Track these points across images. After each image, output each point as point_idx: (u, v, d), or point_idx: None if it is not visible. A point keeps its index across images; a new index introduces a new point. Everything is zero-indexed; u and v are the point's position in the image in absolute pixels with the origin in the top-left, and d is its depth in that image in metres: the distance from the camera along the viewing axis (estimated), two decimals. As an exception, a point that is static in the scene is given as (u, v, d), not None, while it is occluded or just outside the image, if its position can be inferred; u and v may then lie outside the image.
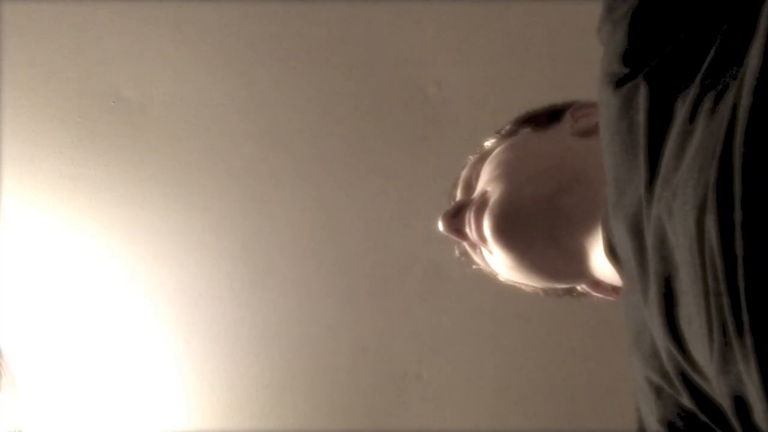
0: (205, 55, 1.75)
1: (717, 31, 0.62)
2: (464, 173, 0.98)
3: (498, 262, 0.91)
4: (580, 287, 0.92)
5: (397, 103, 1.77)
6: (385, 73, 1.76)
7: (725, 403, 0.58)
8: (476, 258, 0.97)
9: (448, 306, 1.86)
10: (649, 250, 0.65)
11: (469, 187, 0.96)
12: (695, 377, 0.63)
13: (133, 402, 1.90)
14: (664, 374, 0.67)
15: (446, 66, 1.75)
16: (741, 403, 0.57)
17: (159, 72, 1.76)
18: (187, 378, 1.89)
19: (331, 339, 1.88)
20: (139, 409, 1.90)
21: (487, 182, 0.91)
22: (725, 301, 0.55)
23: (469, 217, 0.90)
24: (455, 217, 0.93)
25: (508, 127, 0.98)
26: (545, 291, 0.97)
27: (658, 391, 0.69)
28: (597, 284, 0.89)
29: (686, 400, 0.65)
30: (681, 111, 0.63)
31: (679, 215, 0.59)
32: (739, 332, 0.54)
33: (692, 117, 0.61)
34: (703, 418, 0.65)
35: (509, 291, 1.77)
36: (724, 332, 0.55)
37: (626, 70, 0.68)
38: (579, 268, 0.84)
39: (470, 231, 0.91)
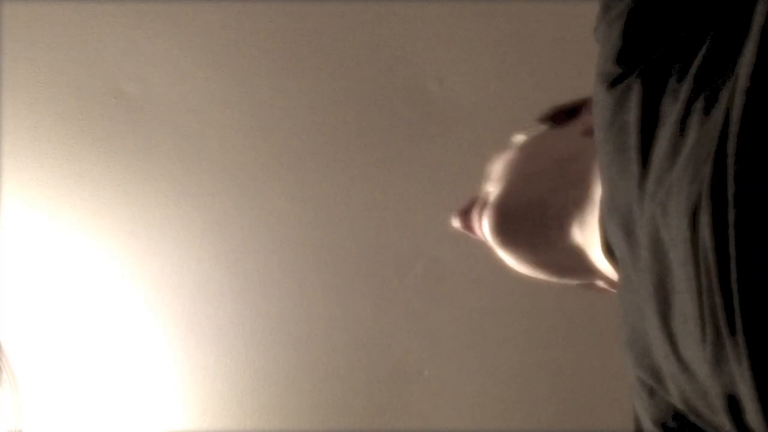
0: (205, 51, 1.75)
1: (711, 30, 0.62)
2: (487, 168, 1.00)
3: (505, 258, 0.92)
4: (599, 283, 0.92)
5: (398, 100, 1.76)
6: (387, 70, 1.75)
7: (718, 403, 0.58)
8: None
9: (449, 303, 1.86)
10: (643, 249, 0.65)
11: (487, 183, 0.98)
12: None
13: (133, 401, 1.89)
14: (655, 374, 0.67)
15: (448, 63, 1.75)
16: (734, 403, 0.56)
17: (159, 68, 1.75)
18: (187, 377, 1.89)
19: (332, 337, 1.88)
20: (138, 407, 1.89)
21: (493, 180, 0.92)
22: (718, 301, 0.54)
23: (475, 215, 0.91)
24: (466, 214, 0.94)
25: (534, 123, 0.99)
26: (562, 285, 0.97)
27: (651, 392, 0.69)
28: (612, 282, 0.90)
29: (676, 401, 0.65)
30: (673, 110, 0.62)
31: (674, 214, 0.60)
32: (732, 332, 0.54)
33: (685, 116, 0.61)
34: (692, 419, 0.65)
35: (510, 288, 1.77)
36: (717, 332, 0.55)
37: (620, 70, 0.68)
38: (585, 266, 0.85)
39: (477, 229, 0.92)
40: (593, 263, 0.83)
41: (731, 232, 0.53)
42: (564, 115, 0.94)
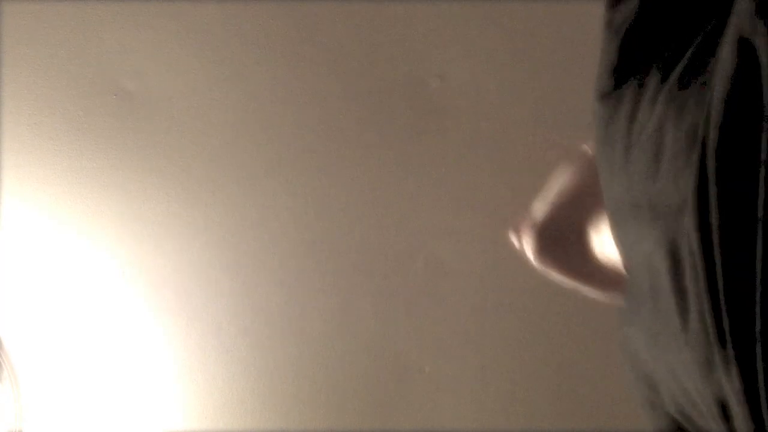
0: (205, 47, 1.75)
1: (696, 37, 0.62)
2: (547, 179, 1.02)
3: (553, 279, 0.94)
4: None
5: (399, 97, 1.76)
6: (388, 67, 1.75)
7: (710, 410, 0.58)
8: None
9: (450, 300, 1.86)
10: (634, 257, 0.66)
11: None
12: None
13: (133, 400, 1.89)
14: (649, 382, 0.67)
15: (449, 59, 1.74)
16: (725, 409, 0.56)
17: (160, 65, 1.75)
18: (187, 376, 1.89)
19: (332, 334, 1.88)
20: (138, 406, 1.89)
21: (543, 198, 0.95)
22: (706, 307, 0.54)
23: (523, 236, 0.94)
24: (519, 233, 0.96)
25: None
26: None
27: (652, 405, 0.68)
28: None
29: (672, 410, 0.65)
30: (654, 116, 0.63)
31: (660, 221, 0.59)
32: (720, 338, 0.54)
33: (664, 122, 0.61)
34: (687, 427, 0.64)
35: (511, 285, 1.77)
36: (706, 337, 0.55)
37: (614, 83, 0.69)
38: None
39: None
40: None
41: (715, 236, 0.53)
42: None
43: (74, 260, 1.84)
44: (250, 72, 1.76)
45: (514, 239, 0.96)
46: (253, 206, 1.83)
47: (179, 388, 1.89)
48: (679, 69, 0.61)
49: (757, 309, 0.52)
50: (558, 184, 0.92)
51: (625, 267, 0.72)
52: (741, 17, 0.54)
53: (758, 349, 0.52)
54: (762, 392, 0.52)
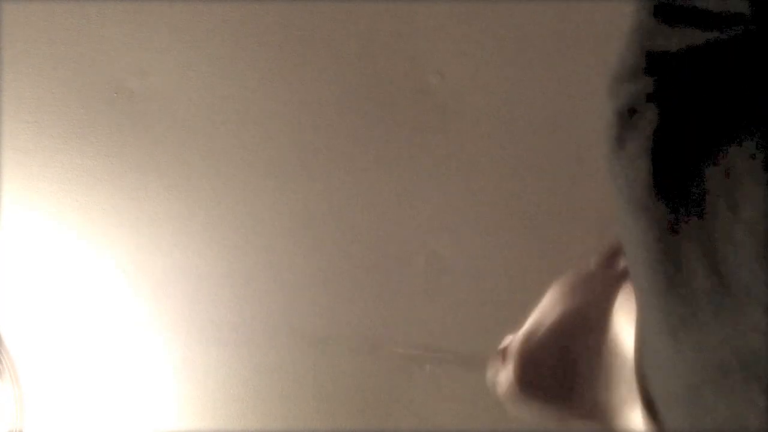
0: (207, 45, 1.74)
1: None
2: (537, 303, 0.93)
3: (522, 411, 0.85)
4: None
5: (399, 94, 1.76)
6: (387, 64, 1.75)
7: None
8: None
9: (451, 297, 1.86)
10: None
11: None
12: None
13: (133, 399, 1.89)
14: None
15: (449, 56, 1.74)
16: None
17: (161, 63, 1.75)
18: (187, 375, 1.89)
19: (333, 331, 1.88)
20: (138, 405, 1.90)
21: (528, 321, 0.87)
22: None
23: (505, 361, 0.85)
24: (504, 354, 0.86)
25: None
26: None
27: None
28: None
29: None
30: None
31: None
32: None
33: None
34: None
35: (511, 282, 1.77)
36: None
37: (662, 204, 0.57)
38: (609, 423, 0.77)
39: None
40: (622, 422, 0.74)
41: None
42: (608, 259, 0.84)
43: (74, 259, 1.83)
44: (252, 70, 1.76)
45: (494, 363, 0.85)
46: (253, 205, 1.82)
47: (179, 387, 1.89)
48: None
49: None
50: (553, 304, 0.83)
51: None
52: None
53: None
54: None
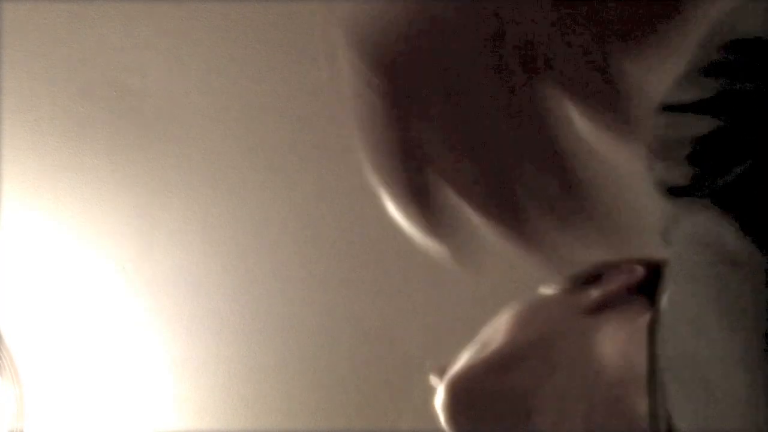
0: (207, 44, 1.74)
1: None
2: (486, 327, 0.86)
3: None
4: None
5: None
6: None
7: None
8: None
9: (452, 294, 1.86)
10: None
11: None
12: None
13: (133, 398, 1.89)
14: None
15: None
16: None
17: (162, 62, 1.75)
18: (188, 374, 1.89)
19: (333, 329, 1.88)
20: (138, 404, 1.90)
21: (477, 343, 0.83)
22: None
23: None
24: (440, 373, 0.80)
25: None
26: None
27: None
28: None
29: None
30: None
31: None
32: None
33: None
34: None
35: (513, 279, 1.76)
36: None
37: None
38: None
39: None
40: None
41: None
42: (581, 282, 0.80)
43: (75, 258, 1.83)
44: (252, 69, 1.76)
45: (435, 381, 0.78)
46: (254, 203, 1.82)
47: (179, 386, 1.89)
48: None
49: None
50: (498, 333, 0.76)
51: None
52: None
53: None
54: None
